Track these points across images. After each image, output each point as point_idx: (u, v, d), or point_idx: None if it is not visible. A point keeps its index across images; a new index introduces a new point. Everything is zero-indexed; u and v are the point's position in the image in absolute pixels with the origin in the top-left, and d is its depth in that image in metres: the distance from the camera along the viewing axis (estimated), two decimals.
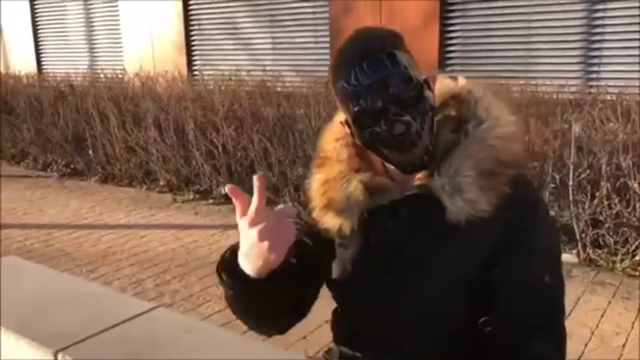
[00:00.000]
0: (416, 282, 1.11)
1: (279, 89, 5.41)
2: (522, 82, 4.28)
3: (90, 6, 8.41)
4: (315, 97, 4.76)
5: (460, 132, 1.11)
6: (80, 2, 8.48)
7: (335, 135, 1.22)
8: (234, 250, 1.06)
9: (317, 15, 6.50)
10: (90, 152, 6.12)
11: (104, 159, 6.02)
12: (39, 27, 9.12)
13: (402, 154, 1.07)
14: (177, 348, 1.81)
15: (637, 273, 3.36)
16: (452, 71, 5.41)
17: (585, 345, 2.65)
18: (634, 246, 3.41)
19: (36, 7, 9.04)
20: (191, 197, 5.28)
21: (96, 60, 8.45)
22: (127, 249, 4.06)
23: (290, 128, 4.76)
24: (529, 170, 1.08)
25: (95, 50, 8.48)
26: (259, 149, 4.85)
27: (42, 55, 9.11)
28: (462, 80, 1.18)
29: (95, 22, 8.41)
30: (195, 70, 7.57)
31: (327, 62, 6.30)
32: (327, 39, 6.39)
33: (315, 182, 1.21)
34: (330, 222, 1.17)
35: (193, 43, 7.70)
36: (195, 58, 7.73)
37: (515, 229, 1.08)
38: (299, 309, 1.22)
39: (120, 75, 6.50)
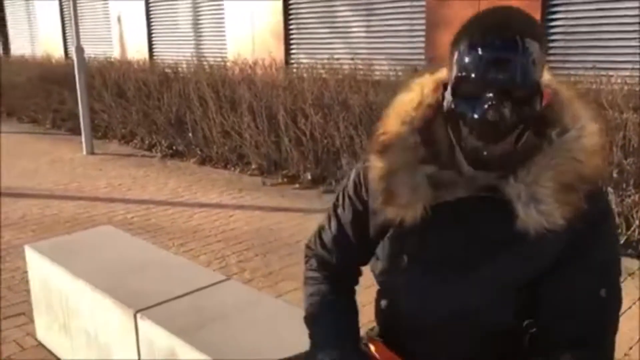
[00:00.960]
0: (467, 287, 1.12)
1: (369, 78, 5.44)
2: (627, 73, 4.06)
3: None
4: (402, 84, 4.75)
5: (544, 138, 1.06)
6: None
7: (401, 118, 1.14)
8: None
9: (414, 4, 6.45)
10: (190, 134, 6.48)
11: (203, 141, 6.36)
12: (152, 18, 9.74)
13: (482, 141, 1.00)
14: (242, 318, 1.93)
15: None
16: (553, 60, 5.20)
17: (629, 348, 2.51)
18: None
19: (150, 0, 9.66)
20: (279, 181, 5.48)
21: (202, 48, 8.91)
22: (215, 227, 4.30)
23: (376, 116, 4.78)
24: (603, 182, 1.03)
25: (202, 38, 8.92)
26: (345, 136, 4.93)
27: (153, 43, 9.72)
28: (546, 75, 1.08)
29: (202, 13, 8.84)
30: (292, 58, 7.78)
31: (422, 51, 6.30)
32: (423, 28, 6.34)
33: (377, 172, 1.15)
34: (391, 214, 1.14)
35: (291, 31, 7.90)
36: (292, 46, 7.94)
37: (580, 241, 1.06)
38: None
39: (222, 63, 6.82)
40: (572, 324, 1.07)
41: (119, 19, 10.25)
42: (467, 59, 1.00)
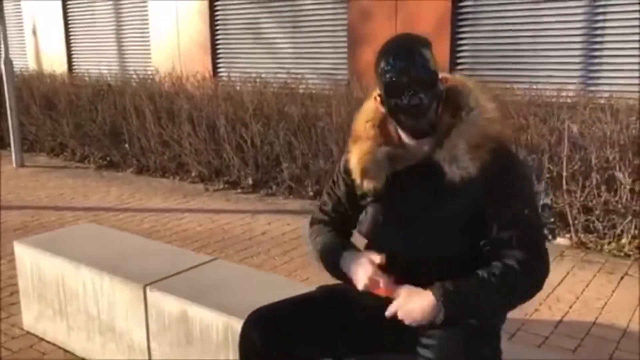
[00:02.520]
0: (426, 228, 1.57)
1: (301, 90, 5.89)
2: (526, 85, 4.77)
3: (120, 7, 9.01)
4: (336, 97, 5.25)
5: (456, 117, 1.57)
6: (110, 5, 9.08)
7: (365, 118, 1.69)
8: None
9: (337, 22, 7.00)
10: (127, 145, 6.63)
11: (140, 151, 6.54)
12: (71, 29, 9.73)
13: (413, 120, 1.53)
14: (233, 288, 2.29)
15: (622, 254, 3.81)
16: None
17: (570, 307, 3.11)
18: (619, 230, 3.87)
19: (68, 8, 9.65)
20: (221, 186, 5.79)
21: (125, 60, 9.05)
22: (169, 228, 4.56)
23: (312, 125, 5.25)
24: (510, 143, 1.52)
25: (125, 50, 9.07)
26: (284, 144, 5.35)
27: (73, 55, 9.72)
28: (457, 76, 1.65)
29: (125, 24, 9.00)
30: (220, 71, 8.13)
31: (345, 66, 6.84)
32: (345, 44, 6.89)
33: (353, 157, 1.67)
34: (367, 185, 1.65)
35: (218, 45, 8.25)
36: (219, 60, 8.29)
37: (497, 183, 1.53)
38: None
39: (151, 75, 7.03)
40: (512, 235, 1.52)
41: (34, 31, 10.13)
42: (387, 72, 1.51)
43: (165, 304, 2.24)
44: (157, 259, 2.59)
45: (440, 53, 5.92)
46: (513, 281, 1.50)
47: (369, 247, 1.73)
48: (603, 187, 3.89)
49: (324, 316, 1.66)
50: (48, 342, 2.79)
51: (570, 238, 4.05)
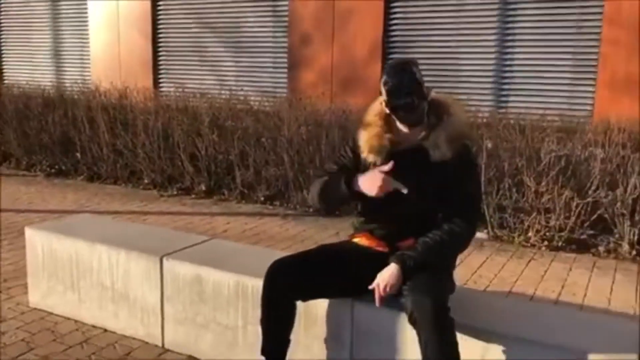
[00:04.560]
0: (414, 195, 2.18)
1: (247, 106, 6.42)
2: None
3: (58, 19, 9.24)
4: (286, 112, 5.86)
5: (441, 119, 2.23)
6: (47, 16, 9.29)
7: (373, 113, 2.34)
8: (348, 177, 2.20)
9: (278, 44, 7.64)
10: (78, 154, 6.90)
11: (91, 160, 6.83)
12: (3, 40, 9.81)
13: (407, 114, 2.19)
14: (237, 256, 2.84)
15: (529, 244, 4.64)
16: None
17: (491, 281, 3.86)
18: (526, 225, 4.70)
19: (1, 17, 9.73)
20: (175, 192, 6.21)
21: (62, 73, 9.28)
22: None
23: (265, 136, 5.82)
24: (472, 142, 2.31)
25: (62, 63, 9.32)
26: (238, 152, 5.88)
27: (3, 65, 9.81)
28: (442, 95, 2.37)
29: (62, 37, 9.24)
30: (161, 86, 8.55)
31: (285, 85, 7.47)
32: (286, 65, 7.54)
33: (365, 136, 2.30)
34: (370, 159, 2.28)
35: (160, 61, 8.67)
36: (161, 75, 8.71)
37: (462, 168, 2.21)
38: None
39: (92, 88, 7.33)
40: (459, 205, 2.19)
41: None
42: (389, 81, 2.18)
43: (181, 269, 2.74)
44: (164, 238, 3.08)
45: (373, 76, 6.75)
46: (453, 241, 2.19)
47: (361, 203, 2.34)
48: (514, 190, 4.72)
49: (331, 264, 2.25)
50: (57, 315, 3.18)
51: (488, 233, 4.85)
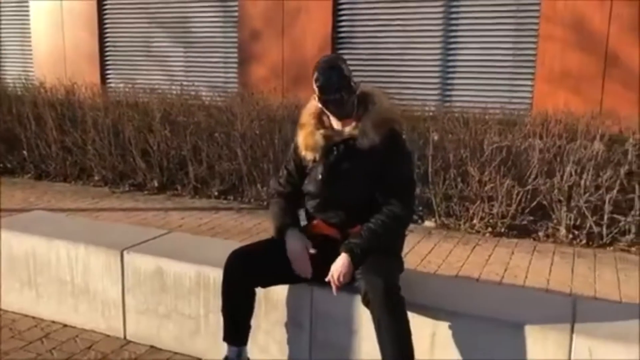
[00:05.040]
0: (349, 184, 2.35)
1: (196, 101, 6.43)
2: (396, 102, 5.80)
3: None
4: (239, 107, 5.93)
5: (367, 108, 2.37)
6: None
7: (307, 112, 2.49)
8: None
9: (228, 40, 7.68)
10: (25, 152, 6.76)
11: (39, 158, 6.70)
12: None
13: (338, 109, 2.33)
14: (197, 248, 2.92)
15: (474, 231, 4.88)
16: None
17: (439, 266, 4.07)
18: (471, 213, 4.94)
19: None
20: (127, 189, 6.19)
21: (3, 69, 9.04)
22: None
23: (218, 131, 5.87)
24: (402, 128, 2.52)
25: (2, 60, 9.07)
26: (190, 148, 5.90)
27: None
28: (368, 86, 2.50)
29: (2, 31, 9.00)
30: (109, 81, 8.46)
31: (236, 80, 7.51)
32: (236, 60, 7.60)
33: (300, 136, 2.46)
34: (308, 156, 2.42)
35: (107, 56, 8.57)
36: (108, 71, 8.61)
37: (392, 153, 2.35)
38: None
39: (37, 84, 7.17)
40: (393, 191, 2.34)
41: None
42: (320, 78, 2.31)
43: (142, 262, 2.80)
44: (122, 232, 3.13)
45: None
46: (393, 223, 2.34)
47: (309, 196, 2.46)
48: (459, 180, 4.95)
49: (285, 252, 2.37)
50: (15, 312, 3.18)
51: (435, 221, 5.07)
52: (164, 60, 8.12)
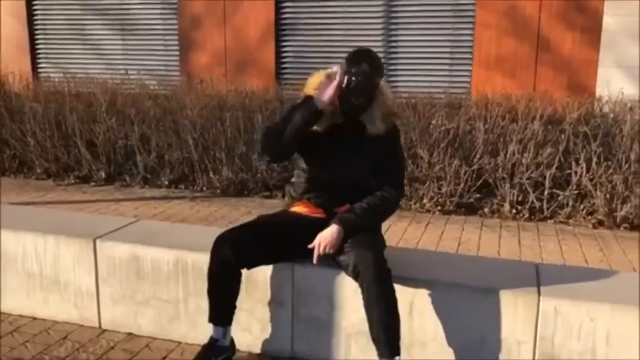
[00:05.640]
0: (349, 165, 2.44)
1: (141, 90, 6.32)
2: None
3: None
4: (186, 95, 5.88)
5: (376, 98, 2.42)
6: None
7: (313, 87, 2.43)
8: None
9: (167, 26, 7.56)
10: None
11: None
12: None
13: (351, 110, 2.39)
14: (171, 234, 2.94)
15: (424, 210, 5.10)
16: (286, 78, 6.96)
17: (397, 243, 4.24)
18: (421, 193, 5.15)
19: None
20: (72, 181, 6.02)
21: None
22: None
23: (166, 119, 5.81)
24: (399, 120, 2.60)
25: None
26: (137, 137, 5.81)
27: None
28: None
29: None
30: (40, 71, 8.15)
31: (177, 68, 7.43)
32: (177, 47, 7.51)
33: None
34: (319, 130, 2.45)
35: (38, 45, 8.24)
36: (40, 60, 8.29)
37: (390, 142, 2.47)
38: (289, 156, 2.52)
39: None
40: (386, 176, 2.48)
41: None
42: (359, 76, 2.34)
43: (115, 250, 2.79)
44: (90, 222, 3.09)
45: (267, 58, 6.93)
46: (385, 206, 2.47)
47: (311, 176, 2.52)
48: (410, 162, 5.15)
49: (273, 233, 2.44)
50: None
51: None
52: (99, 46, 7.90)
